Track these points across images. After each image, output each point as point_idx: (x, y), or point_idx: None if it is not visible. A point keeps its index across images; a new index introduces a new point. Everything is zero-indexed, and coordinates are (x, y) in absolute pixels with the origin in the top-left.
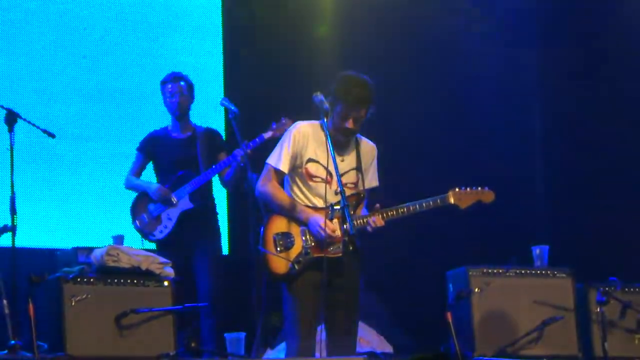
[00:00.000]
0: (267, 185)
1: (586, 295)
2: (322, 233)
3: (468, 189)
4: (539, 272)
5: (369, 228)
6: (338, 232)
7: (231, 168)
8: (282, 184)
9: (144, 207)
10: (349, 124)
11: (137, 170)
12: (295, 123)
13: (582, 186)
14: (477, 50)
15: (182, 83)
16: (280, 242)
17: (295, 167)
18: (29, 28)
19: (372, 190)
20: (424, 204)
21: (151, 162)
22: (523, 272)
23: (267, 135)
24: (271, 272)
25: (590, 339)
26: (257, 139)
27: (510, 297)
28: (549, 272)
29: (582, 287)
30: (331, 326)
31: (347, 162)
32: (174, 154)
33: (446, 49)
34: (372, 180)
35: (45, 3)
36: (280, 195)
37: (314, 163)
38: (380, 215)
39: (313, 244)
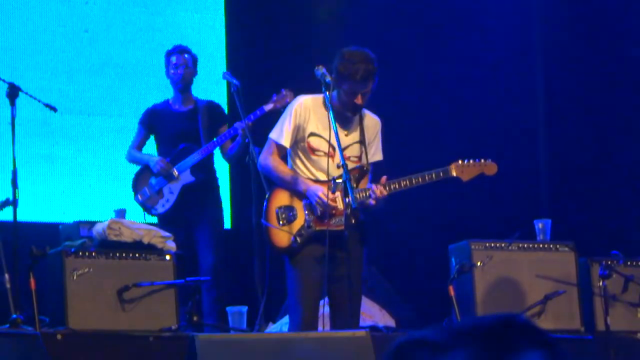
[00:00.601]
0: (269, 159)
1: (589, 269)
2: (322, 202)
3: (471, 161)
4: (541, 246)
5: (371, 201)
6: (339, 203)
7: (235, 142)
8: (284, 158)
9: (145, 181)
10: (358, 100)
11: (139, 144)
12: (298, 97)
13: (585, 160)
14: (480, 24)
15: (186, 56)
16: (283, 216)
17: (297, 141)
18: (30, 2)
19: (376, 164)
20: (426, 176)
21: (152, 135)
22: (525, 246)
23: (268, 107)
24: (273, 245)
25: (592, 312)
26: (257, 111)
27: (512, 271)
28: (551, 246)
29: (584, 261)
30: (334, 300)
31: (351, 135)
32: (175, 127)
33: (451, 21)
34: (375, 154)
35: None
36: (281, 168)
37: (316, 137)
38: (382, 187)
39: (315, 217)
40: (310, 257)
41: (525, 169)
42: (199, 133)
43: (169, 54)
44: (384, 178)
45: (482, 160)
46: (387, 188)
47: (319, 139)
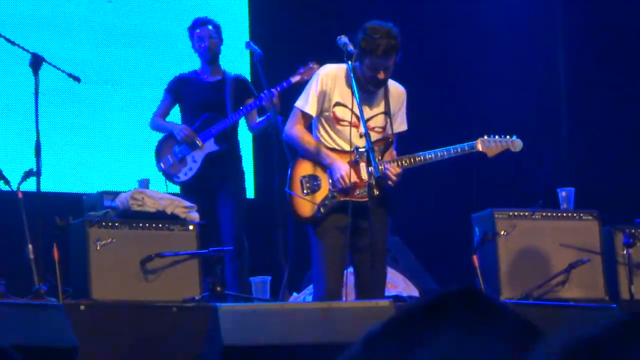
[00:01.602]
0: (294, 129)
1: (612, 238)
2: (343, 183)
3: (496, 137)
4: (564, 214)
5: (388, 181)
6: (363, 177)
7: (264, 119)
8: (309, 127)
9: (168, 149)
10: (380, 75)
11: (164, 112)
12: (323, 66)
13: (607, 128)
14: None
15: (210, 27)
16: (307, 185)
17: (322, 111)
18: None
19: (401, 134)
20: (452, 151)
21: (178, 104)
22: (549, 214)
23: (295, 79)
24: (297, 215)
25: (616, 281)
26: (283, 83)
27: (536, 240)
28: (574, 214)
29: (608, 229)
30: (358, 270)
31: (376, 106)
32: (202, 96)
33: None
34: (400, 124)
35: None
36: (306, 138)
37: (341, 106)
38: (401, 162)
39: (338, 187)
40: (334, 227)
41: (549, 137)
42: (225, 104)
43: (191, 28)
44: (394, 153)
45: (508, 137)
46: (412, 161)
47: (343, 109)
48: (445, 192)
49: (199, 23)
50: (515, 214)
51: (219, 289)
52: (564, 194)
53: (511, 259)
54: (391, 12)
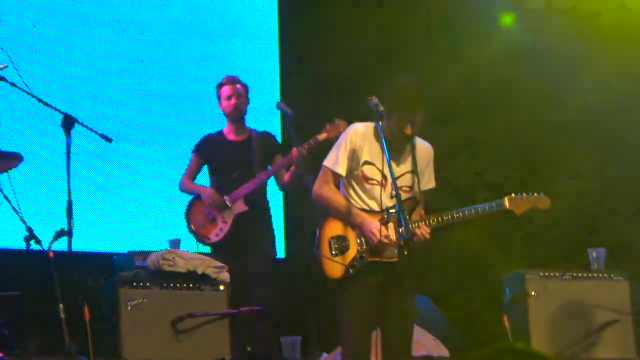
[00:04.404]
0: (324, 188)
1: None
2: (375, 240)
3: (524, 194)
4: (595, 275)
5: (416, 239)
6: (392, 237)
7: (291, 172)
8: (338, 186)
9: (199, 210)
10: (408, 130)
11: (192, 172)
12: (352, 125)
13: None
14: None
15: (238, 86)
16: (336, 246)
17: (351, 170)
18: (86, 32)
19: (428, 191)
20: (479, 209)
21: (206, 164)
22: (580, 275)
23: (321, 136)
24: (326, 275)
25: None
26: (311, 141)
27: (567, 300)
28: (605, 274)
29: (639, 289)
30: (386, 331)
31: (403, 164)
32: (229, 156)
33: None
34: (428, 182)
35: (102, 8)
36: (336, 198)
37: (370, 165)
38: (430, 221)
39: (368, 248)
40: (363, 287)
41: (579, 197)
42: (252, 163)
43: (219, 85)
44: (422, 212)
45: (536, 194)
46: (439, 220)
47: (372, 168)
48: (476, 252)
49: (228, 81)
50: (546, 274)
51: (249, 349)
52: (594, 254)
53: (542, 320)
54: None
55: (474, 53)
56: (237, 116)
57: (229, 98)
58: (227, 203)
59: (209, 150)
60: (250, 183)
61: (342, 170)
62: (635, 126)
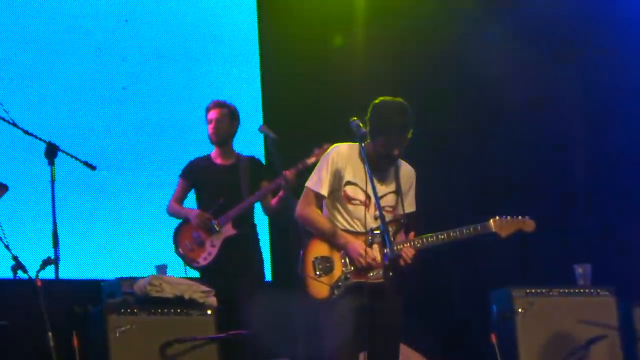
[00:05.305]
0: (307, 209)
1: (630, 314)
2: (361, 261)
3: (509, 217)
4: (582, 291)
5: (401, 261)
6: (378, 259)
7: (279, 197)
8: (321, 207)
9: (187, 234)
10: (395, 152)
11: (179, 197)
12: (333, 145)
13: (624, 203)
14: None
15: (224, 110)
16: (320, 267)
17: (334, 190)
18: (67, 60)
19: (409, 215)
20: (464, 231)
21: (194, 189)
22: (566, 291)
23: (310, 160)
24: (311, 296)
25: (635, 357)
26: (299, 165)
27: (554, 316)
28: (592, 290)
29: (626, 305)
30: (372, 351)
31: (386, 185)
32: (217, 180)
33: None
34: (410, 205)
35: (84, 35)
36: (319, 219)
37: (353, 185)
38: (414, 243)
39: (353, 268)
40: (348, 308)
41: (565, 212)
42: (239, 187)
43: (207, 109)
44: (412, 234)
45: (521, 217)
46: (423, 242)
47: (355, 188)
48: (462, 270)
49: (214, 105)
50: (533, 291)
51: None
52: (580, 270)
53: (530, 336)
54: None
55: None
56: (216, 140)
57: (209, 122)
58: (215, 227)
59: (196, 175)
60: (238, 207)
61: (324, 191)
62: None
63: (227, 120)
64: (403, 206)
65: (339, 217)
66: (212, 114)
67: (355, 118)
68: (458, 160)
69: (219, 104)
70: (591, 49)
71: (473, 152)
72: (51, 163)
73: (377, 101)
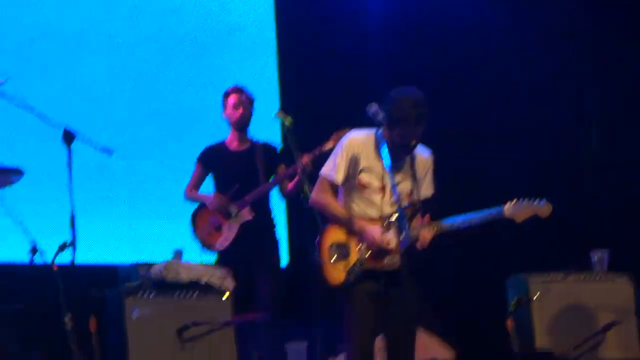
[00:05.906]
0: (321, 196)
1: None
2: (377, 246)
3: (525, 201)
4: (598, 277)
5: (418, 244)
6: (393, 244)
7: (295, 181)
8: (336, 194)
9: (204, 219)
10: (412, 142)
11: (196, 183)
12: (349, 132)
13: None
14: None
15: (244, 95)
16: (336, 253)
17: (349, 177)
18: (85, 49)
19: (428, 198)
20: (479, 217)
21: (210, 174)
22: (582, 277)
23: (328, 145)
24: (327, 282)
25: None
26: (316, 150)
27: (570, 302)
28: (608, 276)
29: None
30: (389, 336)
31: (402, 171)
32: (233, 166)
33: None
34: (427, 188)
35: (98, 24)
36: (334, 205)
37: (368, 172)
38: (430, 228)
39: (368, 255)
40: (365, 294)
41: (581, 198)
42: (256, 173)
43: (226, 94)
44: (427, 217)
45: (536, 201)
46: (430, 229)
47: (370, 175)
48: (478, 256)
49: (234, 90)
50: (549, 277)
51: (255, 355)
52: (597, 256)
53: (546, 323)
54: (416, 77)
55: None
56: (241, 125)
57: (235, 107)
58: (233, 211)
59: (212, 160)
60: (256, 191)
61: (339, 178)
62: None
63: (248, 106)
64: (419, 192)
65: (355, 205)
66: (234, 98)
67: (373, 103)
68: (471, 144)
69: (241, 89)
70: None
71: (487, 135)
72: (68, 148)
73: (392, 91)
